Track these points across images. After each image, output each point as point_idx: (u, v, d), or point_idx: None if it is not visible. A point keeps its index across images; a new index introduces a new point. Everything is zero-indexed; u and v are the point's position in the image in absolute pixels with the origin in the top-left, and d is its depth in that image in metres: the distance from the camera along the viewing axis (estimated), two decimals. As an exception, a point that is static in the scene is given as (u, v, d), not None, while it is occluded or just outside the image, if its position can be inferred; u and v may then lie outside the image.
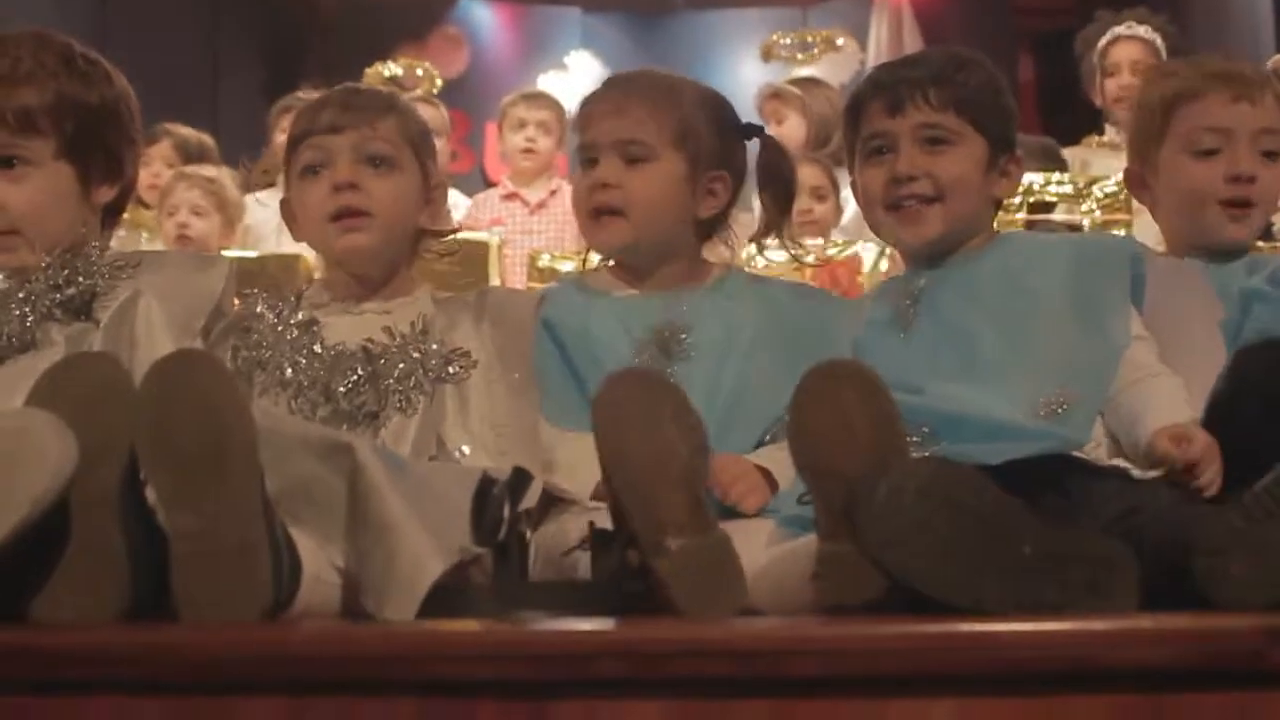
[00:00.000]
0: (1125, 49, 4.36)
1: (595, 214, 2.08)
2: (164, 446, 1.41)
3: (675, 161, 2.08)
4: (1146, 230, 2.89)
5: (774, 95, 4.79)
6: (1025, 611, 1.37)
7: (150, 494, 1.48)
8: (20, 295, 1.91)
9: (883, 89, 2.07)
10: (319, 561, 1.56)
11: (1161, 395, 1.88)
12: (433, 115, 4.81)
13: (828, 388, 1.51)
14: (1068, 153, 4.33)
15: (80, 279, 1.92)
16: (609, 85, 2.17)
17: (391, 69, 5.61)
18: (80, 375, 1.47)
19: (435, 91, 5.54)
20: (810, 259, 3.14)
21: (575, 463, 1.88)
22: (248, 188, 4.42)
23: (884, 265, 4.23)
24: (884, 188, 2.06)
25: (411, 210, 2.06)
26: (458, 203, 4.93)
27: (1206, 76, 2.18)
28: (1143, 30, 4.34)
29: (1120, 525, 1.60)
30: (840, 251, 3.84)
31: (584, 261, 2.34)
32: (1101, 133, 4.40)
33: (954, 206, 2.04)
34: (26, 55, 1.95)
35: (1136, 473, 1.80)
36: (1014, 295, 1.99)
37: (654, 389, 1.54)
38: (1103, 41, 4.38)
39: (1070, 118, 4.65)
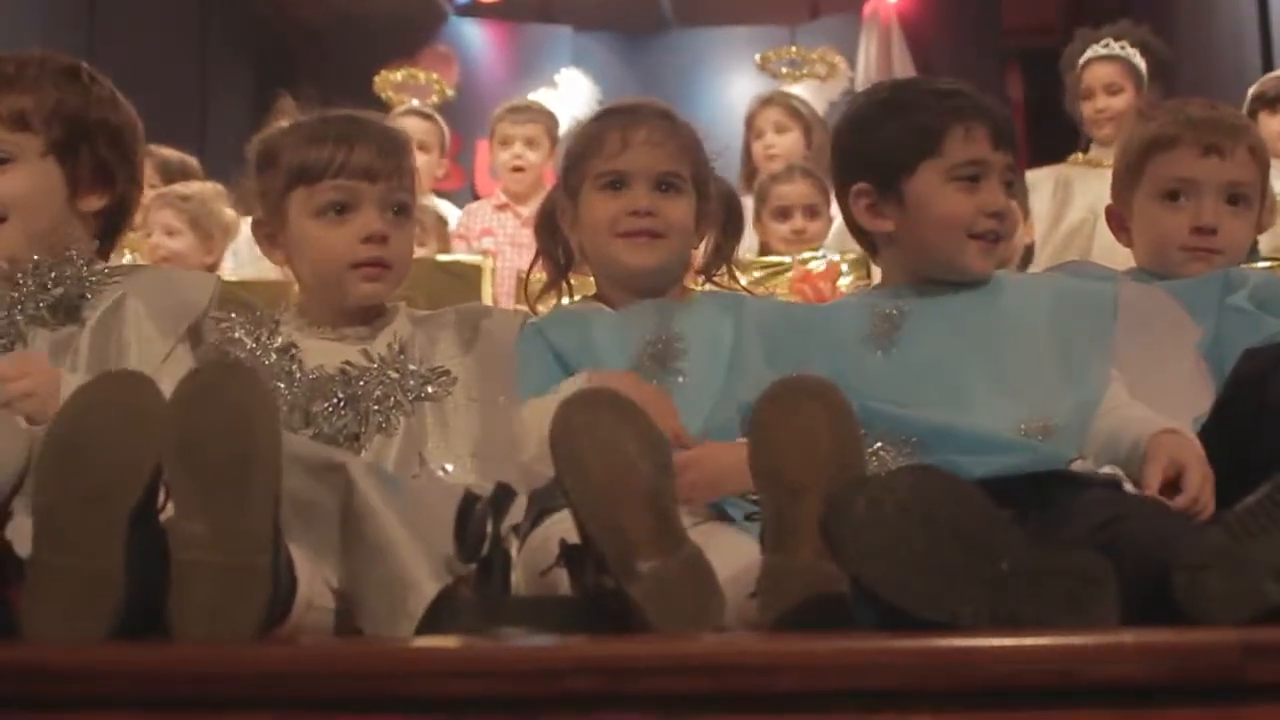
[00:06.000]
0: (1099, 71, 4.36)
1: (632, 235, 2.13)
2: (191, 452, 1.41)
3: (692, 195, 2.17)
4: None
5: (782, 105, 4.73)
6: (1002, 627, 1.36)
7: (165, 517, 1.48)
8: (9, 299, 1.96)
9: (991, 118, 2.07)
10: (314, 586, 1.56)
11: (1137, 416, 1.90)
12: (428, 128, 4.80)
13: (794, 400, 1.51)
14: (1052, 171, 4.34)
15: (68, 280, 1.97)
16: (638, 114, 2.18)
17: (402, 75, 5.59)
18: (115, 393, 1.46)
19: (446, 100, 5.52)
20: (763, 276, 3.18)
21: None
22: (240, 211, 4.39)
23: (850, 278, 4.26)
24: (974, 216, 2.05)
25: (414, 249, 2.12)
26: (449, 214, 4.92)
27: (1182, 124, 2.25)
28: (1118, 48, 4.34)
29: (1103, 534, 1.60)
30: (817, 263, 3.85)
31: (569, 290, 2.34)
32: (1087, 150, 4.41)
33: (1007, 247, 2.10)
34: (32, 66, 2.06)
35: (1128, 486, 1.81)
36: (997, 332, 2.02)
37: (612, 408, 1.52)
38: (1079, 64, 4.39)
39: (1058, 136, 4.66)
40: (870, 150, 2.12)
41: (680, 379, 2.04)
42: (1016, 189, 2.14)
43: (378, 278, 2.04)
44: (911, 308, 2.06)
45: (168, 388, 1.87)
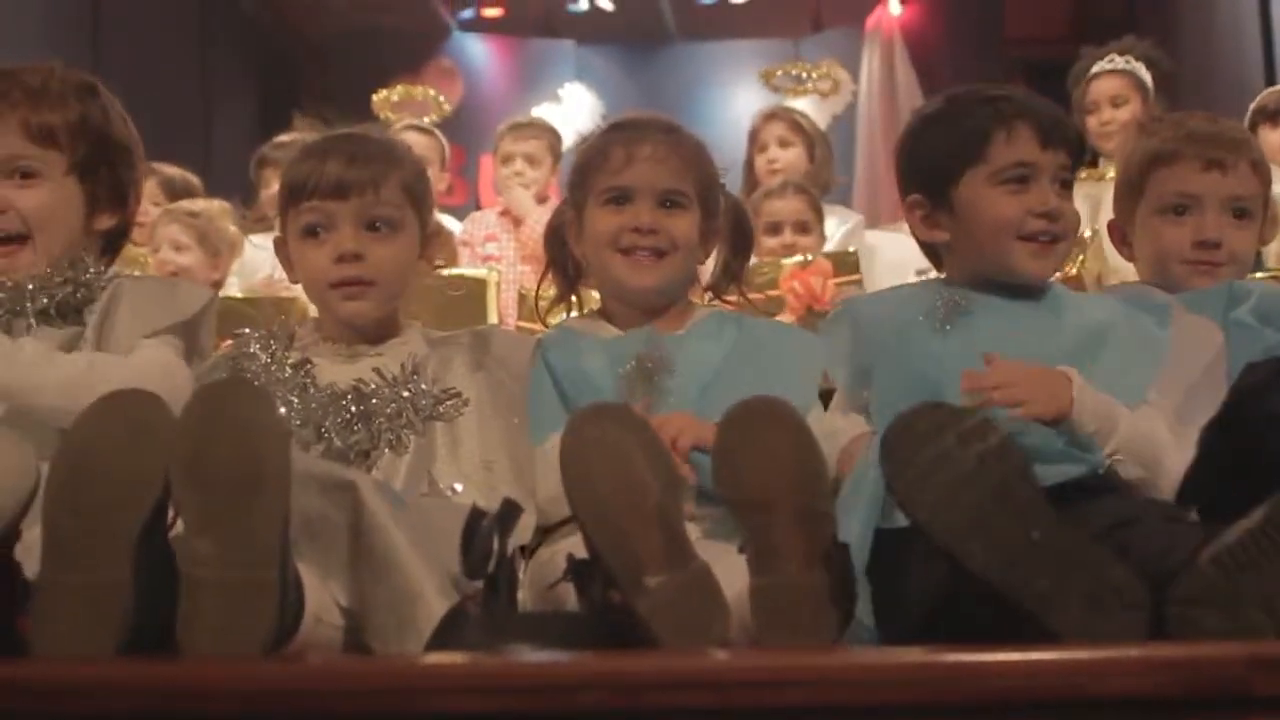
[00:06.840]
0: (1104, 85, 4.37)
1: (634, 253, 2.12)
2: (199, 470, 1.41)
3: (696, 212, 2.15)
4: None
5: (786, 119, 4.71)
6: (1010, 587, 1.39)
7: (172, 536, 1.48)
8: (14, 302, 1.97)
9: (1036, 117, 2.05)
10: (322, 602, 1.57)
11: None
12: (428, 143, 4.81)
13: (751, 422, 1.51)
14: None
15: (71, 283, 1.99)
16: (643, 129, 2.17)
17: (399, 93, 5.60)
18: (123, 410, 1.46)
19: (445, 116, 5.53)
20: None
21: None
22: (244, 229, 4.41)
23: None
24: (1021, 218, 2.03)
25: (410, 266, 2.08)
26: (450, 227, 4.94)
27: (1183, 139, 2.24)
28: (1122, 63, 4.35)
29: (1109, 539, 1.59)
30: (807, 262, 3.84)
31: (579, 303, 2.34)
32: (1095, 164, 4.41)
33: (1067, 248, 2.08)
34: (54, 80, 2.06)
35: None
36: (1047, 347, 2.00)
37: (621, 424, 1.52)
38: (1084, 79, 4.40)
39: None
40: (920, 162, 2.13)
41: (670, 397, 2.02)
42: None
43: (358, 296, 2.03)
44: (975, 303, 2.05)
45: (142, 358, 1.92)
